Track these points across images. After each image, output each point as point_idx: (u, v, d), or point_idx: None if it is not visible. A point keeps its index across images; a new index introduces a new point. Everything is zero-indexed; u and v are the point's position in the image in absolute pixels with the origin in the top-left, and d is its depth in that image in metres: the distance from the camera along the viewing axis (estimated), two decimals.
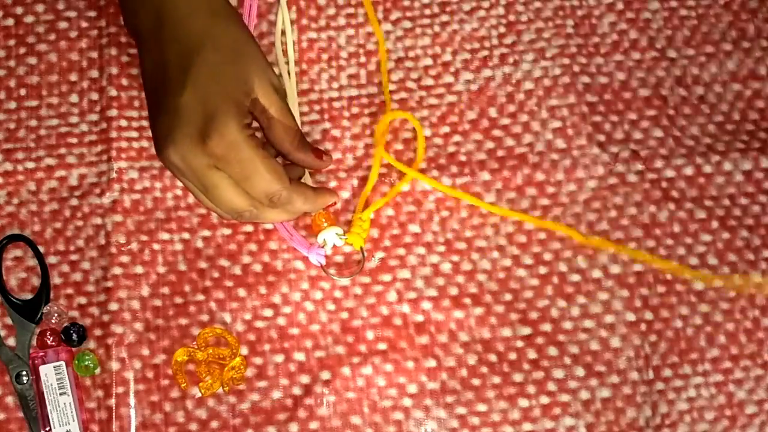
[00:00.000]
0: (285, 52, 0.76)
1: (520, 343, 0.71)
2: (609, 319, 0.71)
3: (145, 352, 0.70)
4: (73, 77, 0.75)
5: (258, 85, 0.66)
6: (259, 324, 0.71)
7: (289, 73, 0.75)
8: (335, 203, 0.72)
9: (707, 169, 0.73)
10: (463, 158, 0.74)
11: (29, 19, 0.76)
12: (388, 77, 0.76)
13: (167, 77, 0.66)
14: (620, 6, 0.77)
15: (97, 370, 0.70)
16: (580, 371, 0.70)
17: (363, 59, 0.76)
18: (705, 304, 0.71)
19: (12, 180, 0.73)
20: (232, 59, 0.66)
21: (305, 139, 0.70)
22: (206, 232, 0.72)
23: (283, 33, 0.77)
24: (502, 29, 0.77)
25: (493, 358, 0.70)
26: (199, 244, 0.72)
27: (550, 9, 0.77)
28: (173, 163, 0.65)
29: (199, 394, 0.69)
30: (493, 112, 0.75)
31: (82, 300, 0.71)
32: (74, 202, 0.73)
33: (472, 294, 0.72)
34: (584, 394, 0.70)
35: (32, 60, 0.75)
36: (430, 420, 0.70)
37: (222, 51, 0.66)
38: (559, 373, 0.70)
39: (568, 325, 0.71)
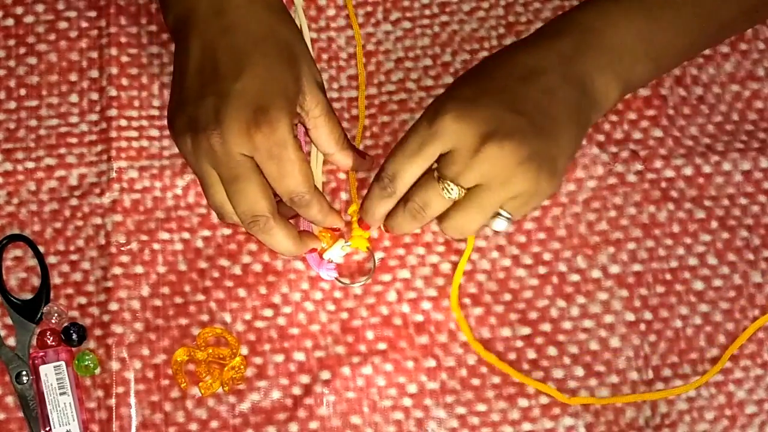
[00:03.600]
0: None
1: (519, 343, 0.71)
2: (608, 319, 0.71)
3: (145, 352, 0.70)
4: (73, 77, 0.75)
5: (307, 83, 0.67)
6: (259, 324, 0.71)
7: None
8: (339, 229, 0.71)
9: (706, 169, 0.74)
10: None
11: (29, 19, 0.76)
12: (387, 77, 0.76)
13: (219, 62, 0.66)
14: None
15: (97, 370, 0.70)
16: (579, 371, 0.70)
17: (363, 60, 0.76)
18: (705, 304, 0.72)
19: (12, 180, 0.73)
20: (288, 56, 0.67)
21: (349, 139, 0.71)
22: (206, 232, 0.72)
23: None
24: (501, 30, 0.77)
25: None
26: (199, 244, 0.72)
27: (549, 9, 0.77)
28: (211, 145, 0.64)
29: (199, 394, 0.69)
30: None
31: (82, 300, 0.71)
32: (74, 202, 0.73)
33: (471, 294, 0.72)
34: (584, 394, 0.70)
35: (32, 60, 0.75)
36: (430, 420, 0.70)
37: (279, 46, 0.67)
38: (558, 373, 0.70)
39: (567, 324, 0.71)
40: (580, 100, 0.67)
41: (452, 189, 0.65)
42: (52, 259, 0.72)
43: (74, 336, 0.70)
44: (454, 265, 0.72)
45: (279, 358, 0.70)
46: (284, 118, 0.64)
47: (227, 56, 0.66)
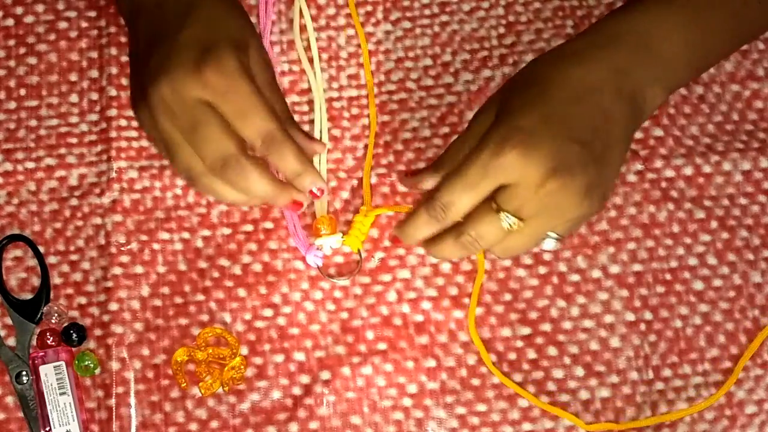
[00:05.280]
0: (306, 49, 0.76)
1: (519, 343, 0.71)
2: (608, 318, 0.71)
3: (145, 352, 0.70)
4: (73, 77, 0.75)
5: (252, 47, 0.66)
6: (259, 324, 0.71)
7: (314, 71, 0.76)
8: (322, 190, 0.67)
9: (706, 168, 0.74)
10: None
11: (29, 19, 0.76)
12: (387, 76, 0.76)
13: (164, 28, 0.65)
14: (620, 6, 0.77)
15: (97, 370, 0.70)
16: (579, 371, 0.70)
17: (363, 59, 0.76)
18: (705, 304, 0.72)
19: (12, 180, 0.73)
20: (233, 14, 0.67)
21: (293, 118, 0.70)
22: (206, 232, 0.72)
23: (304, 30, 0.77)
24: (501, 30, 0.77)
25: (492, 358, 0.71)
26: (199, 243, 0.72)
27: (549, 9, 0.77)
28: (162, 97, 0.62)
29: (199, 394, 0.69)
30: None
31: (82, 300, 0.71)
32: (74, 202, 0.73)
33: (471, 294, 0.72)
34: (584, 394, 0.70)
35: (32, 60, 0.75)
36: (430, 420, 0.70)
37: (223, 6, 0.66)
38: (558, 373, 0.70)
39: (567, 324, 0.71)
40: (630, 115, 0.66)
41: (512, 220, 0.63)
42: (52, 259, 0.72)
43: (74, 336, 0.70)
44: (455, 265, 0.72)
45: (279, 358, 0.70)
46: (232, 54, 0.63)
47: (172, 15, 0.65)
